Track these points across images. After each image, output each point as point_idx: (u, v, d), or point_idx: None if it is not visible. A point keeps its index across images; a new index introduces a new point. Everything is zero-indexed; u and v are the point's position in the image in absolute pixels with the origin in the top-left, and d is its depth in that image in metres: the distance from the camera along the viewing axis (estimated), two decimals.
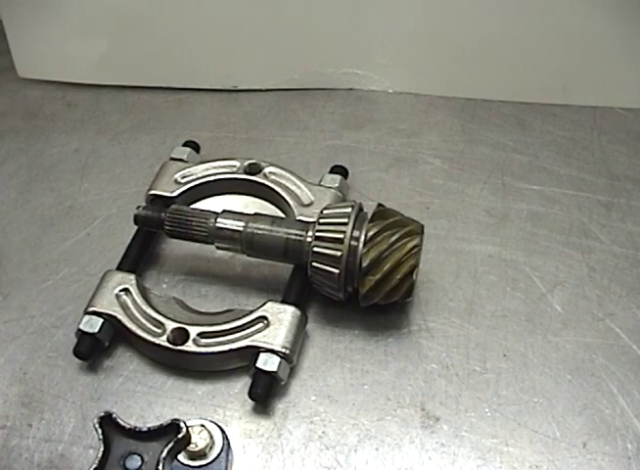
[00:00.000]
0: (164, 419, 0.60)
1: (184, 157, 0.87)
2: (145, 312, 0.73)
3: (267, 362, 0.69)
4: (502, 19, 0.91)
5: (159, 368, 0.74)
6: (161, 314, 0.73)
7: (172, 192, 0.83)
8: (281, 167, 0.85)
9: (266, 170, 0.85)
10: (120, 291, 0.75)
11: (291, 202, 0.81)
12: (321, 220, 0.72)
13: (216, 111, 1.01)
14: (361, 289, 0.71)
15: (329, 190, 0.83)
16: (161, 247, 0.85)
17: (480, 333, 0.76)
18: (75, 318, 0.75)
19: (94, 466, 0.57)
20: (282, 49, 0.99)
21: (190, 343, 0.71)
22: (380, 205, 0.75)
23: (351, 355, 0.75)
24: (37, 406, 0.72)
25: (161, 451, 0.58)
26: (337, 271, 0.70)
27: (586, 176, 0.90)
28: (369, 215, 0.73)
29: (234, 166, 0.85)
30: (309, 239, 0.72)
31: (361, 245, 0.70)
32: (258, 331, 0.71)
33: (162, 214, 0.76)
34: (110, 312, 0.73)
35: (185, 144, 0.90)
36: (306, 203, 0.81)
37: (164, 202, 0.82)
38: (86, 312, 0.73)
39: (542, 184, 0.90)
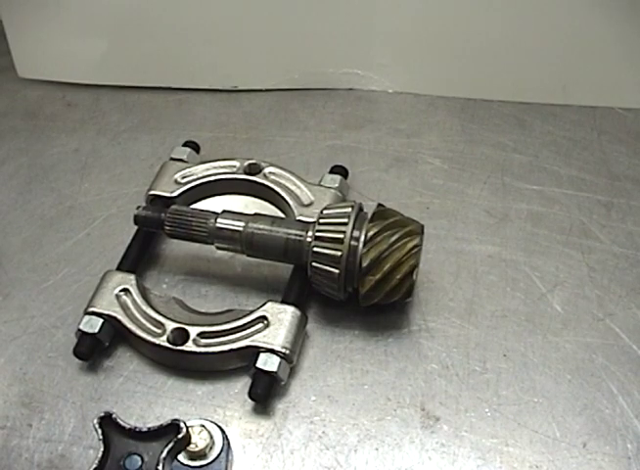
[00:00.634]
0: (164, 419, 0.60)
1: (184, 157, 0.87)
2: (145, 313, 0.73)
3: (267, 362, 0.69)
4: (502, 19, 0.91)
5: (159, 368, 0.74)
6: (161, 314, 0.73)
7: (172, 192, 0.83)
8: (281, 168, 0.85)
9: (266, 171, 0.84)
10: (120, 291, 0.75)
11: (291, 202, 0.81)
12: (321, 220, 0.72)
13: (216, 111, 1.01)
14: (361, 289, 0.71)
15: (329, 190, 0.83)
16: (161, 247, 0.84)
17: (480, 333, 0.76)
18: (75, 318, 0.75)
19: (94, 466, 0.57)
20: (282, 49, 0.98)
21: (190, 343, 0.71)
22: (380, 205, 0.75)
23: (351, 355, 0.74)
24: (37, 406, 0.71)
25: (161, 452, 0.58)
26: (337, 271, 0.70)
27: (586, 176, 0.90)
28: (369, 215, 0.73)
29: (234, 167, 0.85)
30: (309, 239, 0.72)
31: (361, 245, 0.70)
32: (258, 331, 0.71)
33: (162, 215, 0.76)
34: (110, 313, 0.73)
35: (185, 144, 0.90)
36: (306, 203, 0.81)
37: (164, 202, 0.82)
38: (86, 313, 0.73)
39: (542, 184, 0.89)
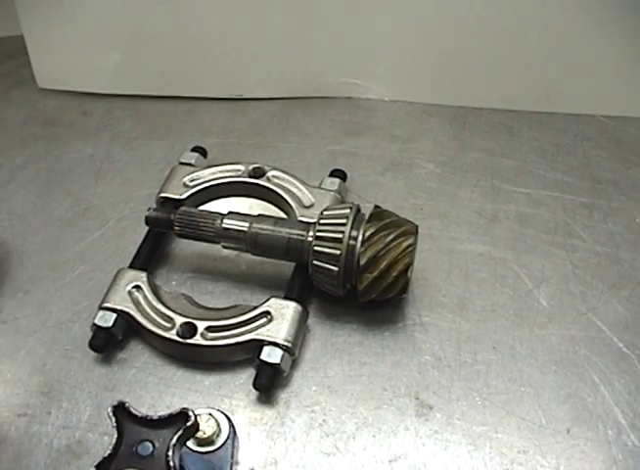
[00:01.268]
0: (174, 408, 0.60)
1: (192, 161, 0.87)
2: (155, 308, 0.74)
3: (271, 355, 0.69)
4: (491, 33, 0.92)
5: (168, 360, 0.74)
6: (171, 310, 0.73)
7: (181, 194, 0.83)
8: (283, 171, 0.85)
9: (269, 174, 0.85)
10: (132, 288, 0.75)
11: (292, 204, 0.81)
12: (321, 221, 0.72)
13: (223, 118, 1.01)
14: (359, 285, 0.71)
15: (328, 192, 0.83)
16: (171, 246, 0.85)
17: (471, 327, 0.76)
18: (91, 313, 0.75)
19: (108, 452, 0.57)
20: (285, 61, 0.99)
21: (198, 336, 0.71)
22: (376, 206, 0.75)
23: (350, 348, 0.75)
24: (56, 396, 0.72)
25: (171, 438, 0.58)
26: (336, 269, 0.71)
27: (570, 180, 0.90)
28: (366, 216, 0.73)
29: (239, 170, 0.85)
30: (310, 239, 0.72)
31: (359, 244, 0.70)
32: (262, 325, 0.71)
33: (172, 216, 0.76)
34: (122, 308, 0.73)
35: (193, 149, 0.90)
36: (307, 204, 0.81)
37: (174, 204, 0.82)
38: (101, 308, 0.73)
39: (529, 187, 0.90)
